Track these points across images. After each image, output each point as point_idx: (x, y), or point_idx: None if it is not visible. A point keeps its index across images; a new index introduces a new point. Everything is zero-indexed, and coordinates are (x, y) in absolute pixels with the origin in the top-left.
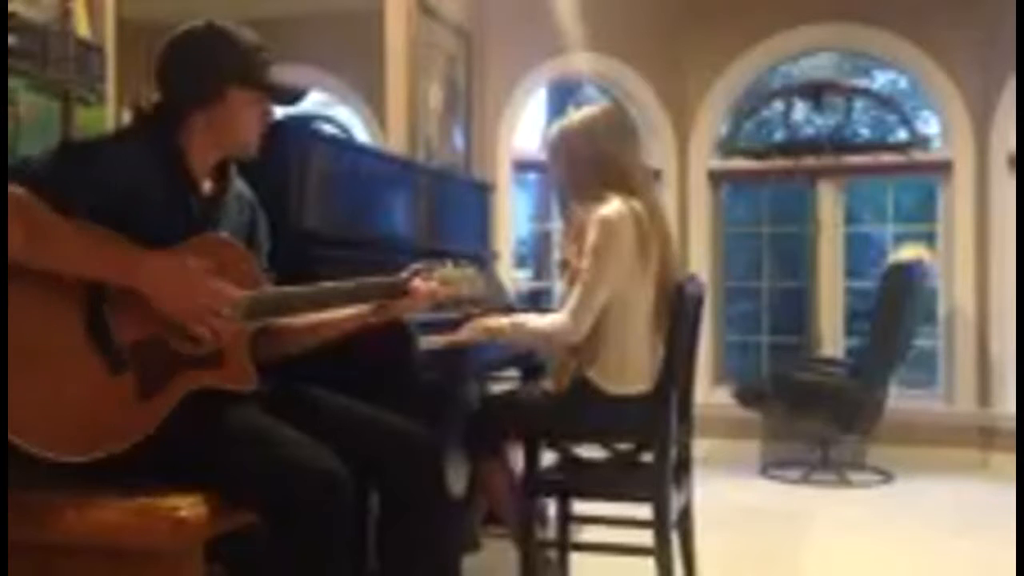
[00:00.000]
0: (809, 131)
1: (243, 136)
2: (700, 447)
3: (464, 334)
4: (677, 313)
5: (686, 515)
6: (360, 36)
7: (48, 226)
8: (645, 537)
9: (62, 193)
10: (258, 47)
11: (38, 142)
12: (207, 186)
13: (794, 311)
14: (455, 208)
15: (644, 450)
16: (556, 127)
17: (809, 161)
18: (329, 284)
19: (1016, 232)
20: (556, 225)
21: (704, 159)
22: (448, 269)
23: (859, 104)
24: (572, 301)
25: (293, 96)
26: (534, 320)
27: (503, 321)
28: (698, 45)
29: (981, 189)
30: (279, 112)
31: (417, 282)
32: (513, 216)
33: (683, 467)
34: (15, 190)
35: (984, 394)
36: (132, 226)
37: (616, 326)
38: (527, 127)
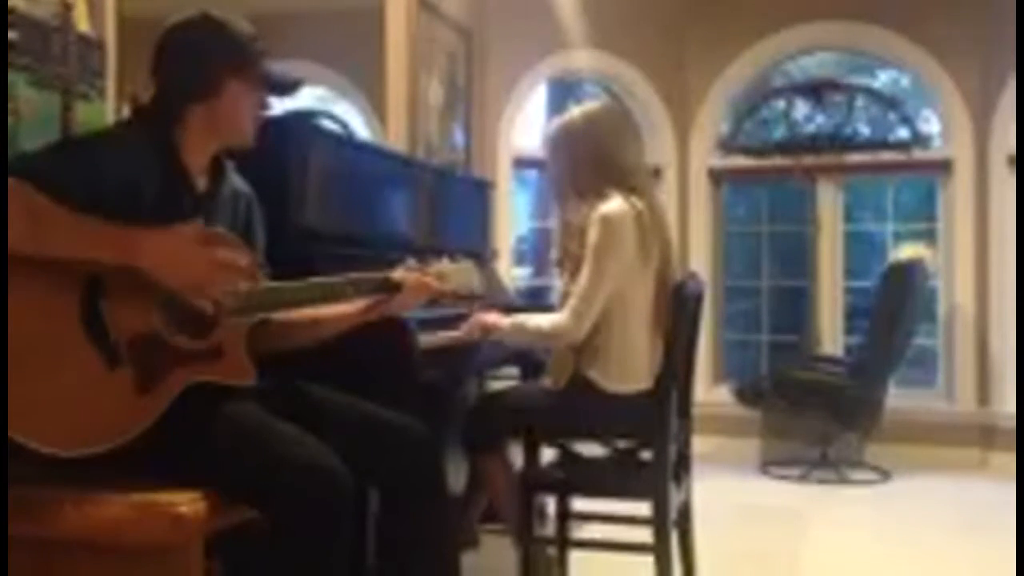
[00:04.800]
0: (810, 129)
1: (240, 127)
2: (699, 445)
3: (462, 331)
4: (677, 311)
5: (685, 513)
6: (361, 32)
7: (46, 211)
8: (644, 534)
9: (57, 189)
10: (253, 37)
11: (38, 137)
12: (202, 182)
13: (794, 309)
14: (455, 205)
15: (644, 448)
16: (556, 124)
17: (809, 159)
18: (321, 279)
19: (1016, 231)
20: (556, 223)
21: (704, 157)
22: (444, 264)
23: (860, 102)
24: (573, 301)
25: (289, 86)
26: (535, 319)
27: (502, 320)
28: (699, 43)
29: (981, 188)
30: (279, 108)
31: (411, 276)
32: (513, 214)
33: (682, 465)
34: (12, 180)
35: (984, 393)
36: (126, 222)
37: (616, 324)
38: (527, 124)
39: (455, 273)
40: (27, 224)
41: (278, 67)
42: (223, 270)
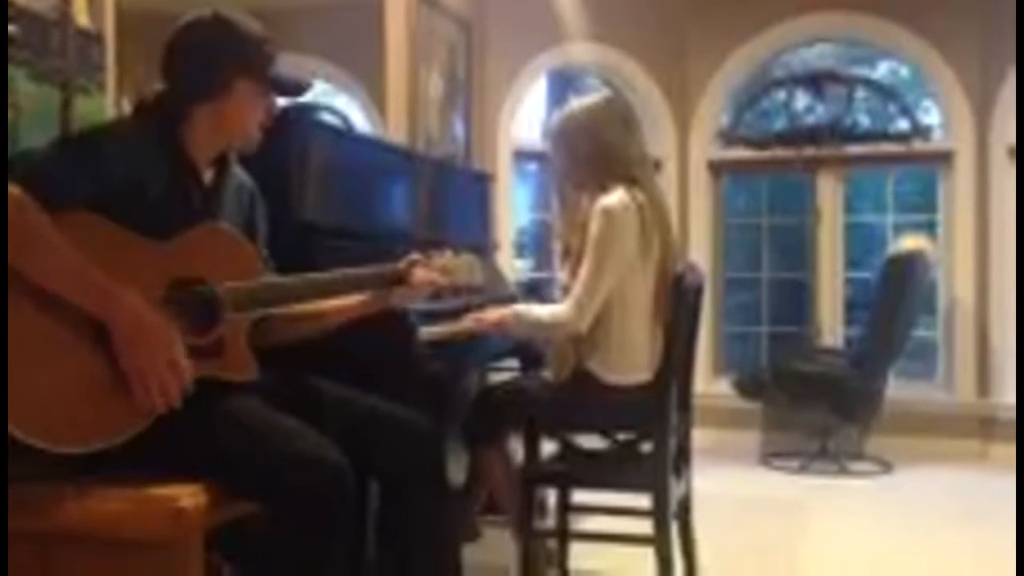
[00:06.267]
0: (810, 121)
1: (246, 128)
2: (700, 437)
3: (465, 325)
4: (677, 303)
5: (685, 505)
6: (360, 26)
7: (36, 235)
8: (645, 527)
9: (62, 185)
10: (264, 39)
11: (38, 132)
12: (208, 176)
13: (794, 301)
14: (455, 198)
15: (644, 440)
16: (558, 117)
17: (810, 151)
18: (325, 273)
19: (1016, 222)
20: (557, 216)
21: (705, 149)
22: (447, 257)
23: (860, 94)
24: (575, 293)
25: (297, 89)
26: (537, 310)
27: (505, 311)
28: (699, 34)
29: (981, 179)
30: (280, 101)
31: (415, 270)
32: (513, 206)
33: (683, 457)
34: (12, 191)
35: (984, 384)
36: (132, 217)
37: (616, 316)
38: (527, 117)
39: (458, 267)
40: (13, 245)
41: (285, 66)
42: (172, 372)
